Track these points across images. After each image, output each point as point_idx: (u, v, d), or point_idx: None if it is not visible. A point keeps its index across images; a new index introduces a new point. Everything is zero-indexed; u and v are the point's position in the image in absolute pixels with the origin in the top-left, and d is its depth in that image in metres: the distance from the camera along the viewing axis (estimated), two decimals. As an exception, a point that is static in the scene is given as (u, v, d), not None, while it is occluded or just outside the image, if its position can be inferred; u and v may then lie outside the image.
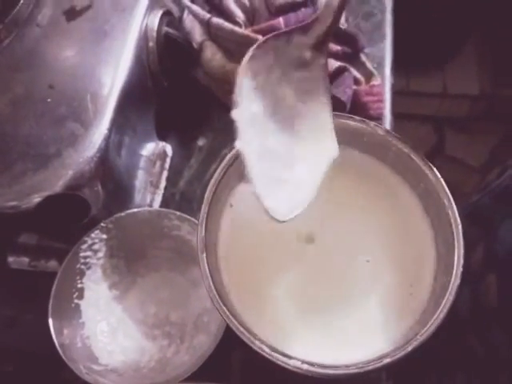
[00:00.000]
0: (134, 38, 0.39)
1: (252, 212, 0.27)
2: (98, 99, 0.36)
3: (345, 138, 0.27)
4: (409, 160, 0.27)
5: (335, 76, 0.43)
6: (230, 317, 0.21)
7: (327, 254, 0.26)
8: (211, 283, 0.22)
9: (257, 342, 0.21)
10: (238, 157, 0.26)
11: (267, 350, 0.21)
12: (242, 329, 0.21)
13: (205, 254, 0.23)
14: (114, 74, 0.37)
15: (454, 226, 0.25)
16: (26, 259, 0.40)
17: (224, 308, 0.22)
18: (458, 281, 0.23)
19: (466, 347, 0.37)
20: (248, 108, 0.24)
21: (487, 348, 0.36)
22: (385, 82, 0.48)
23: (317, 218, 0.26)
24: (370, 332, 0.24)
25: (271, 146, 0.25)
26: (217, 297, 0.22)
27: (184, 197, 0.43)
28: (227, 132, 0.45)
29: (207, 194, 0.25)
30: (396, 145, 0.27)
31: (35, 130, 0.35)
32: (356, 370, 0.21)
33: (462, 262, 0.23)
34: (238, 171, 0.27)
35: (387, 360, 0.21)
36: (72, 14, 0.42)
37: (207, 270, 0.23)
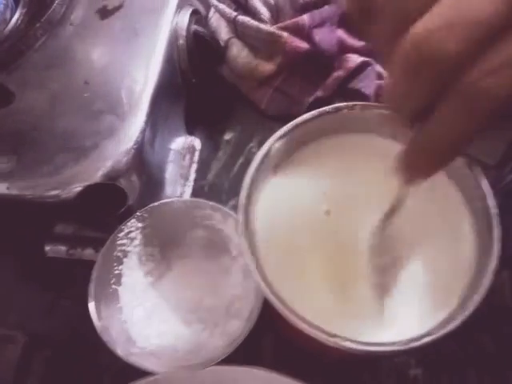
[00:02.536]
0: (164, 36, 0.41)
1: (284, 199, 0.28)
2: (133, 94, 0.38)
3: (377, 126, 0.28)
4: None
5: (359, 71, 0.44)
6: (269, 293, 0.23)
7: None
8: (254, 264, 0.24)
9: (300, 322, 0.22)
10: (271, 149, 0.28)
11: (309, 328, 0.22)
12: (284, 308, 0.22)
13: (244, 236, 0.25)
14: (146, 71, 0.39)
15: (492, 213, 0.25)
16: (63, 248, 0.42)
17: (265, 285, 0.23)
18: (495, 263, 0.23)
19: (478, 343, 0.37)
20: None
21: (499, 345, 0.36)
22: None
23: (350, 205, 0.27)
24: (405, 319, 0.25)
25: None
26: (260, 278, 0.23)
27: (212, 188, 0.44)
28: (253, 126, 0.47)
29: (246, 180, 0.26)
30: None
31: (74, 124, 0.36)
32: (399, 347, 0.22)
33: (499, 246, 0.23)
34: (272, 162, 0.29)
35: (429, 338, 0.22)
36: (104, 14, 0.44)
37: (250, 253, 0.24)
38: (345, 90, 0.44)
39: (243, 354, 0.33)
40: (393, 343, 0.22)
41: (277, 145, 0.28)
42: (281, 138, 0.28)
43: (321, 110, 0.27)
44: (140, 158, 0.36)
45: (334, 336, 0.22)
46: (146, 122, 0.36)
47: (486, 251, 0.24)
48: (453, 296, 0.25)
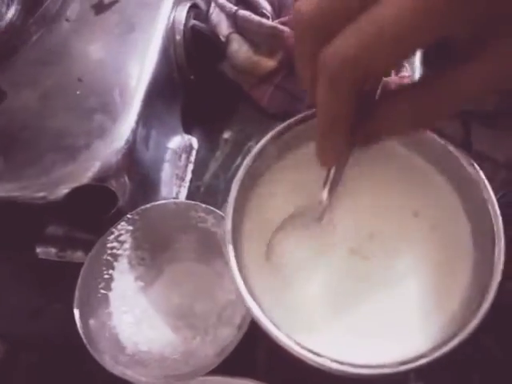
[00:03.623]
0: (160, 31, 0.39)
1: (278, 202, 0.27)
2: (126, 92, 0.36)
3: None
4: (445, 151, 0.26)
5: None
6: (254, 308, 0.21)
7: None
8: (238, 276, 0.22)
9: (284, 339, 0.20)
10: (263, 150, 0.26)
11: (295, 347, 0.20)
12: (267, 323, 0.21)
13: (231, 246, 0.23)
14: (141, 67, 0.37)
15: (494, 220, 0.23)
16: (53, 250, 0.40)
17: (250, 299, 0.21)
18: (499, 278, 0.22)
19: (483, 348, 0.35)
20: None
21: (505, 349, 0.35)
22: (415, 73, 0.47)
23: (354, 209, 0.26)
24: (405, 327, 0.23)
25: None
26: (244, 290, 0.22)
27: (209, 190, 0.42)
28: (253, 125, 0.46)
29: (234, 185, 0.25)
30: (431, 136, 0.26)
31: (64, 123, 0.35)
32: (390, 370, 0.20)
33: (502, 258, 0.22)
34: (264, 163, 0.27)
35: (424, 360, 0.20)
36: (100, 8, 0.42)
37: (234, 262, 0.22)
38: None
39: (235, 364, 0.32)
40: (383, 365, 0.20)
41: (269, 147, 0.26)
42: (273, 139, 0.26)
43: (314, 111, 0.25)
44: (131, 159, 0.35)
45: (322, 356, 0.21)
46: (138, 121, 0.35)
47: (487, 267, 0.22)
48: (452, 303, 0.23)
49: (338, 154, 0.21)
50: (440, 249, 0.25)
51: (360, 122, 0.20)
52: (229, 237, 0.23)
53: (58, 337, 0.38)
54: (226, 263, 0.36)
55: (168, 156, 0.42)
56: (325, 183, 0.23)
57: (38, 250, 0.41)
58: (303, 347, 0.21)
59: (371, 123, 0.20)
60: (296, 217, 0.26)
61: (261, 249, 0.26)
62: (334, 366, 0.21)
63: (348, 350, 0.22)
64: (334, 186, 0.23)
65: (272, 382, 0.32)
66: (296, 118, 0.26)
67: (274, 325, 0.21)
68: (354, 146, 0.22)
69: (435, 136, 0.26)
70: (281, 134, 0.26)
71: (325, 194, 0.24)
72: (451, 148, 0.26)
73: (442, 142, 0.26)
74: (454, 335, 0.21)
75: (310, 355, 0.21)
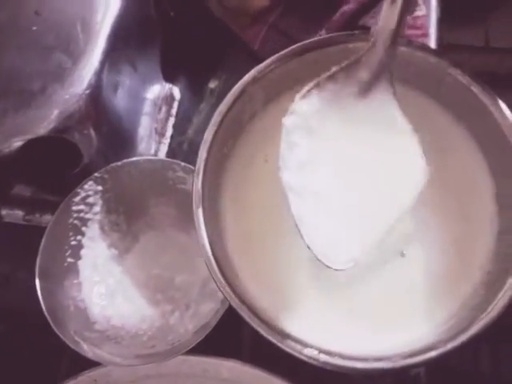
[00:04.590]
0: (133, -45, 0.33)
1: (261, 163, 0.22)
2: (90, 27, 0.31)
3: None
4: (467, 94, 0.21)
5: (372, 4, 0.36)
6: (229, 290, 0.17)
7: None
8: (207, 245, 0.17)
9: (263, 326, 0.16)
10: (241, 95, 0.21)
11: (274, 335, 0.16)
12: (243, 307, 0.16)
13: (201, 209, 0.18)
14: (108, -1, 0.32)
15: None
16: (20, 212, 0.37)
17: (221, 278, 0.17)
18: None
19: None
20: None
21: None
22: (430, 13, 0.40)
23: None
24: (408, 314, 0.19)
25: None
26: (215, 266, 0.17)
27: (192, 146, 0.38)
28: (243, 72, 0.40)
29: (206, 136, 0.20)
30: (451, 73, 0.21)
31: (18, 63, 0.30)
32: (389, 365, 0.16)
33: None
34: (245, 111, 0.22)
35: (432, 354, 0.16)
36: None
37: (203, 227, 0.18)
38: (354, 29, 0.36)
39: (218, 343, 0.28)
40: (379, 358, 0.16)
41: (250, 88, 0.21)
42: (256, 79, 0.21)
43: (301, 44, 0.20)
44: (97, 106, 0.30)
45: (308, 347, 0.16)
46: (103, 62, 0.30)
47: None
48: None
49: None
50: (457, 221, 0.20)
51: None
52: (198, 198, 0.19)
53: (25, 307, 0.35)
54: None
55: (146, 107, 0.37)
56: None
57: (3, 212, 0.37)
58: (286, 335, 0.16)
59: None
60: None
61: (245, 213, 0.21)
62: (322, 357, 0.16)
63: (342, 339, 0.18)
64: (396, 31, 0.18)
65: (258, 363, 0.28)
66: (285, 51, 0.21)
67: (254, 307, 0.17)
68: None
69: (456, 72, 0.21)
70: (265, 72, 0.21)
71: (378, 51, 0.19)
72: (474, 88, 0.21)
73: (465, 80, 0.21)
74: (471, 323, 0.17)
75: (294, 345, 0.16)
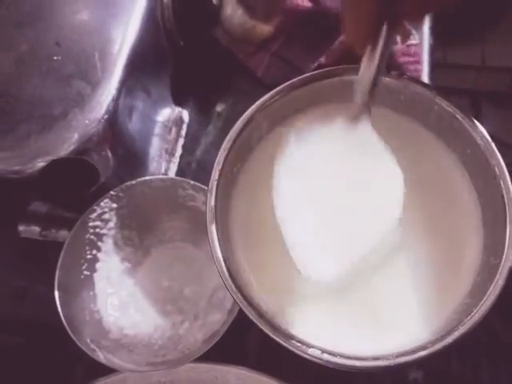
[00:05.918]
0: (146, -9, 0.36)
1: (268, 178, 0.24)
2: (107, 57, 0.33)
3: (379, 96, 0.24)
4: (453, 121, 0.23)
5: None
6: (240, 296, 0.19)
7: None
8: (221, 257, 0.20)
9: (270, 328, 0.18)
10: (249, 122, 0.23)
11: (280, 336, 0.18)
12: (253, 311, 0.18)
13: (214, 225, 0.20)
14: (124, 31, 0.34)
15: (506, 198, 0.21)
16: (36, 228, 0.38)
17: (233, 286, 0.19)
18: (510, 263, 0.20)
19: (491, 333, 0.33)
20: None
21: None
22: (423, 41, 0.43)
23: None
24: (405, 315, 0.21)
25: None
26: (227, 275, 0.19)
27: (201, 166, 0.40)
28: (248, 97, 0.42)
29: (219, 157, 0.22)
30: (438, 103, 0.23)
31: (40, 90, 0.32)
32: (385, 363, 0.18)
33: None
34: (252, 136, 0.24)
35: (423, 353, 0.18)
36: (81, -33, 0.39)
37: (216, 242, 0.20)
38: (352, 56, 0.39)
39: (225, 351, 0.30)
40: (376, 357, 0.18)
41: (259, 116, 0.23)
42: (262, 108, 0.23)
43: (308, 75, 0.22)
44: (113, 130, 0.32)
45: (311, 347, 0.18)
46: (120, 89, 0.32)
47: (496, 250, 0.19)
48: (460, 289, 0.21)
49: (368, 26, 0.21)
50: (444, 233, 0.22)
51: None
52: (212, 214, 0.21)
53: (42, 319, 0.36)
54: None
55: (157, 129, 0.39)
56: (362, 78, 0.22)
57: (21, 228, 0.39)
58: (290, 336, 0.18)
59: None
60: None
61: (253, 227, 0.23)
62: (325, 357, 0.18)
63: (340, 339, 0.20)
64: (374, 81, 0.21)
65: (263, 370, 0.30)
66: (289, 83, 0.24)
67: (262, 312, 0.19)
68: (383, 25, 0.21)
69: (442, 101, 0.23)
70: (270, 102, 0.24)
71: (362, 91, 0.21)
72: (459, 116, 0.23)
73: (450, 109, 0.23)
74: (460, 323, 0.19)
75: (298, 345, 0.18)
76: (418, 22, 0.22)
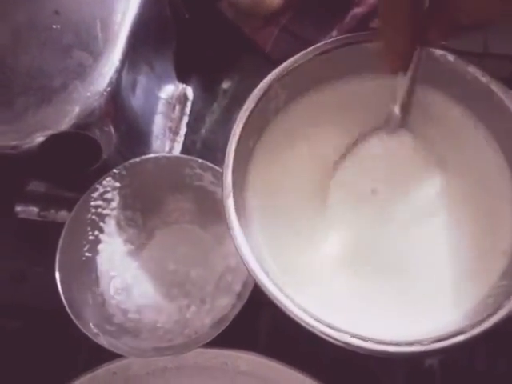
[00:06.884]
0: (150, -42, 0.34)
1: (288, 153, 0.23)
2: (109, 27, 0.31)
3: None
4: (487, 93, 0.21)
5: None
6: (262, 275, 0.17)
7: (387, 208, 0.21)
8: (238, 232, 0.18)
9: (296, 309, 0.17)
10: (269, 89, 0.22)
11: (310, 320, 0.17)
12: (275, 291, 0.17)
13: (231, 199, 0.19)
14: (126, 0, 0.32)
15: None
16: (34, 209, 0.37)
17: (255, 266, 0.18)
18: None
19: (508, 319, 0.32)
20: None
21: None
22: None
23: (379, 169, 0.22)
24: (435, 300, 0.19)
25: None
26: (247, 248, 0.18)
27: (206, 145, 0.38)
28: (255, 74, 0.40)
29: (235, 128, 0.20)
30: (470, 73, 0.22)
31: (38, 61, 0.30)
32: (420, 348, 0.16)
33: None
34: (270, 105, 0.23)
35: (461, 337, 0.16)
36: None
37: (234, 216, 0.18)
38: (365, 31, 0.37)
39: (234, 336, 0.29)
40: (411, 343, 0.17)
41: (277, 85, 0.22)
42: (281, 76, 0.22)
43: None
44: (116, 104, 0.31)
45: (340, 331, 0.17)
46: (123, 61, 0.30)
47: None
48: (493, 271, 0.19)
49: (404, 50, 0.21)
50: (479, 206, 0.21)
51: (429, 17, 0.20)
52: (228, 188, 0.19)
53: (42, 302, 0.35)
54: (225, 225, 0.33)
55: (160, 106, 0.38)
56: (397, 94, 0.21)
57: (18, 208, 0.37)
58: (318, 320, 0.17)
59: (445, 13, 0.20)
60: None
61: (269, 202, 0.22)
62: (355, 342, 0.17)
63: (367, 322, 0.18)
64: (407, 96, 0.21)
65: (274, 356, 0.28)
66: (307, 51, 0.22)
67: (283, 293, 0.18)
68: (424, 45, 0.21)
69: (475, 71, 0.22)
70: (289, 69, 0.22)
71: (397, 107, 0.21)
72: (494, 87, 0.22)
73: (484, 79, 0.22)
74: (499, 306, 0.17)
75: (326, 329, 0.17)
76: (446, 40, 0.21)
